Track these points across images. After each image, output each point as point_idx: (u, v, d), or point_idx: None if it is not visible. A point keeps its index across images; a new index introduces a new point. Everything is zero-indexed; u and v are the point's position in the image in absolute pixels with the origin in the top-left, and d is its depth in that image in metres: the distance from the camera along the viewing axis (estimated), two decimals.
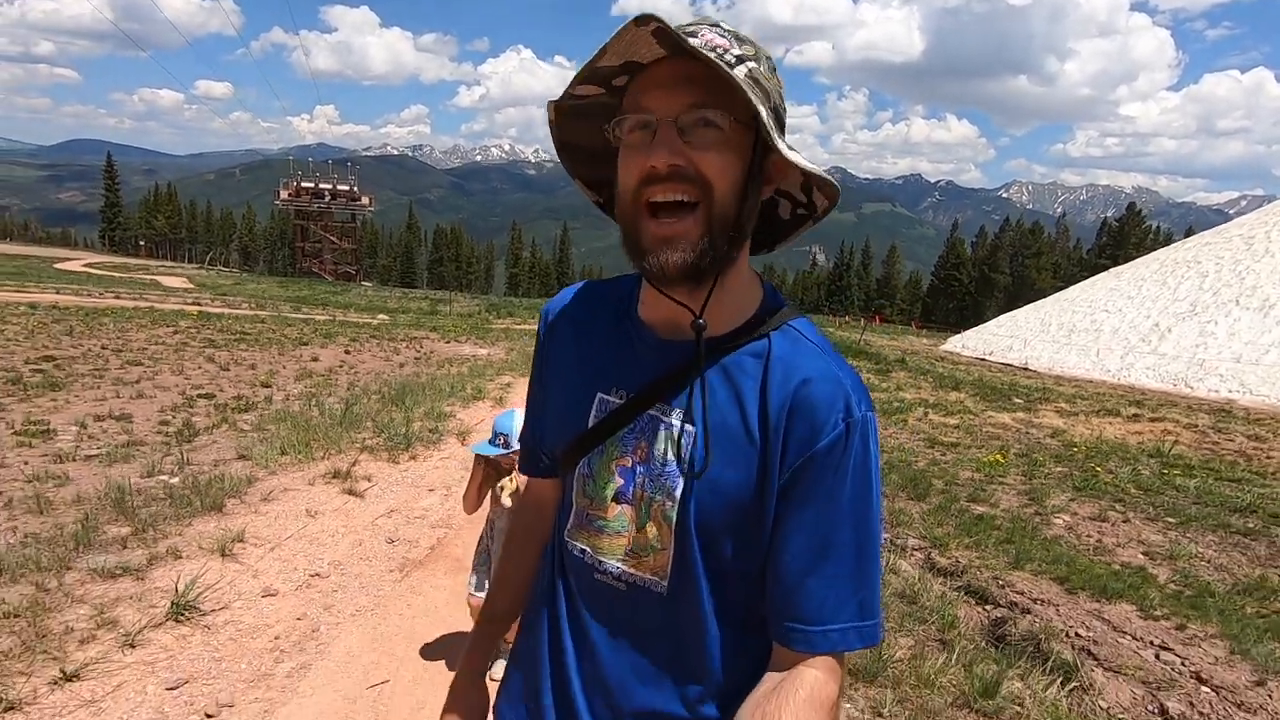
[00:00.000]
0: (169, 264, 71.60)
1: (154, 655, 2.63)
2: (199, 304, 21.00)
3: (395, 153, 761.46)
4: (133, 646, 2.64)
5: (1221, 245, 21.14)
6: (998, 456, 7.04)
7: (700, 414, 0.74)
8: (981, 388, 13.25)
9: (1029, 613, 3.62)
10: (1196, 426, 10.34)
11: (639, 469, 0.78)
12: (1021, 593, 3.87)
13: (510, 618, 1.00)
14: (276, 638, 2.89)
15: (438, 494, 5.00)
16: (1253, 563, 4.62)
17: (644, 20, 0.63)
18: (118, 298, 20.31)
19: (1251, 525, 5.41)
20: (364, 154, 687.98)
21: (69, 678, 2.40)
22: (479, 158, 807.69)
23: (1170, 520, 5.48)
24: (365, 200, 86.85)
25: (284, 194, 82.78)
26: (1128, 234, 70.78)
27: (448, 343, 15.52)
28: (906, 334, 42.84)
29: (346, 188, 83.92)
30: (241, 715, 2.39)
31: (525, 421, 0.96)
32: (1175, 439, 9.01)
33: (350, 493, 4.68)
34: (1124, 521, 5.41)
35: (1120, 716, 2.77)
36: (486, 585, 2.59)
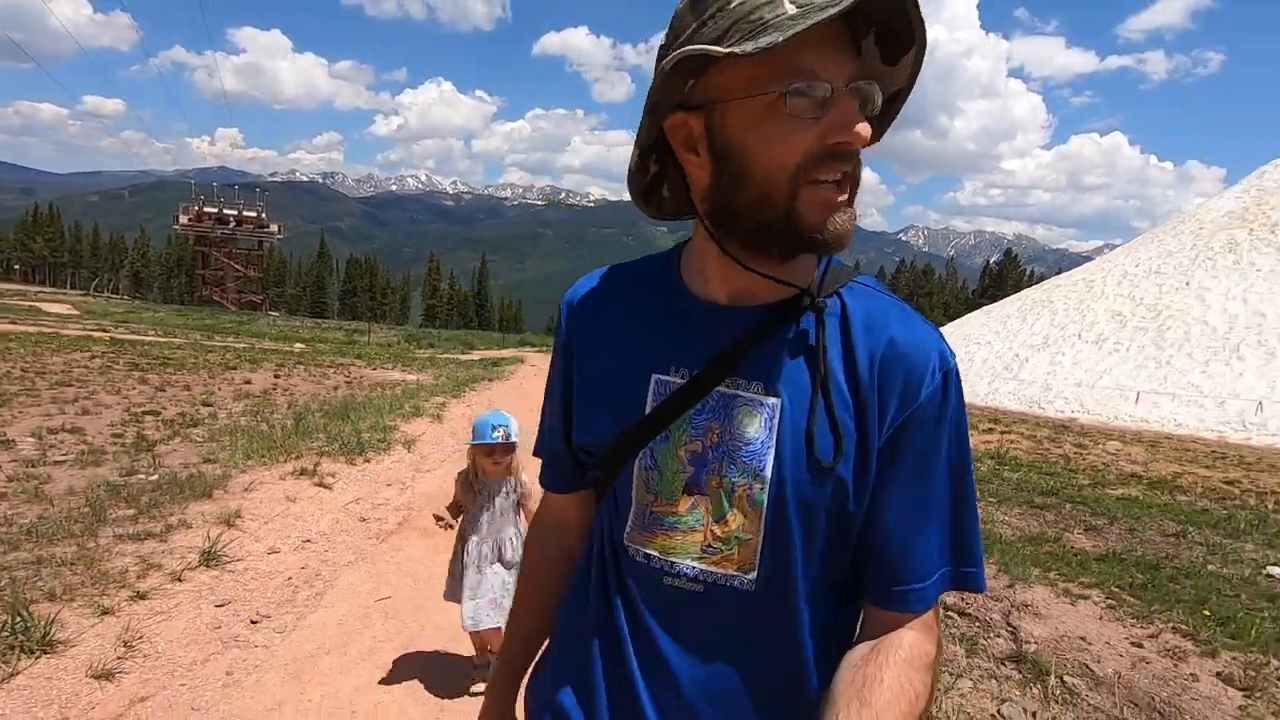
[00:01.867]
0: (49, 289, 66.53)
1: (197, 587, 3.37)
2: (105, 330, 20.30)
3: (305, 179, 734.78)
4: (180, 580, 3.38)
5: (1069, 287, 24.43)
6: None
7: (785, 382, 0.70)
8: None
9: None
10: (1035, 437, 12.28)
11: (711, 453, 0.71)
12: None
13: (537, 642, 0.92)
14: (290, 578, 3.67)
15: (394, 488, 5.77)
16: (1041, 525, 6.07)
17: None
18: (13, 323, 19.38)
19: (1049, 502, 6.95)
20: (270, 179, 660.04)
21: (140, 596, 3.13)
22: (394, 187, 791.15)
23: (992, 500, 6.94)
24: (275, 228, 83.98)
25: (184, 218, 78.95)
26: (1006, 276, 78.09)
27: (374, 369, 15.90)
28: None
29: (254, 214, 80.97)
30: (278, 621, 3.19)
31: (546, 429, 0.88)
32: (1014, 445, 10.80)
33: (320, 485, 5.40)
34: None
35: None
36: (487, 614, 2.59)
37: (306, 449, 6.49)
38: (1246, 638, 3.71)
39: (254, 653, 2.87)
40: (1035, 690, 3.11)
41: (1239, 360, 16.72)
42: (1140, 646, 3.58)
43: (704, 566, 0.72)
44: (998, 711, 2.91)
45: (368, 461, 6.48)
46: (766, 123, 0.62)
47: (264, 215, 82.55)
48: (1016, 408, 18.28)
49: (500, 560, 2.68)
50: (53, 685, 2.42)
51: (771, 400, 0.70)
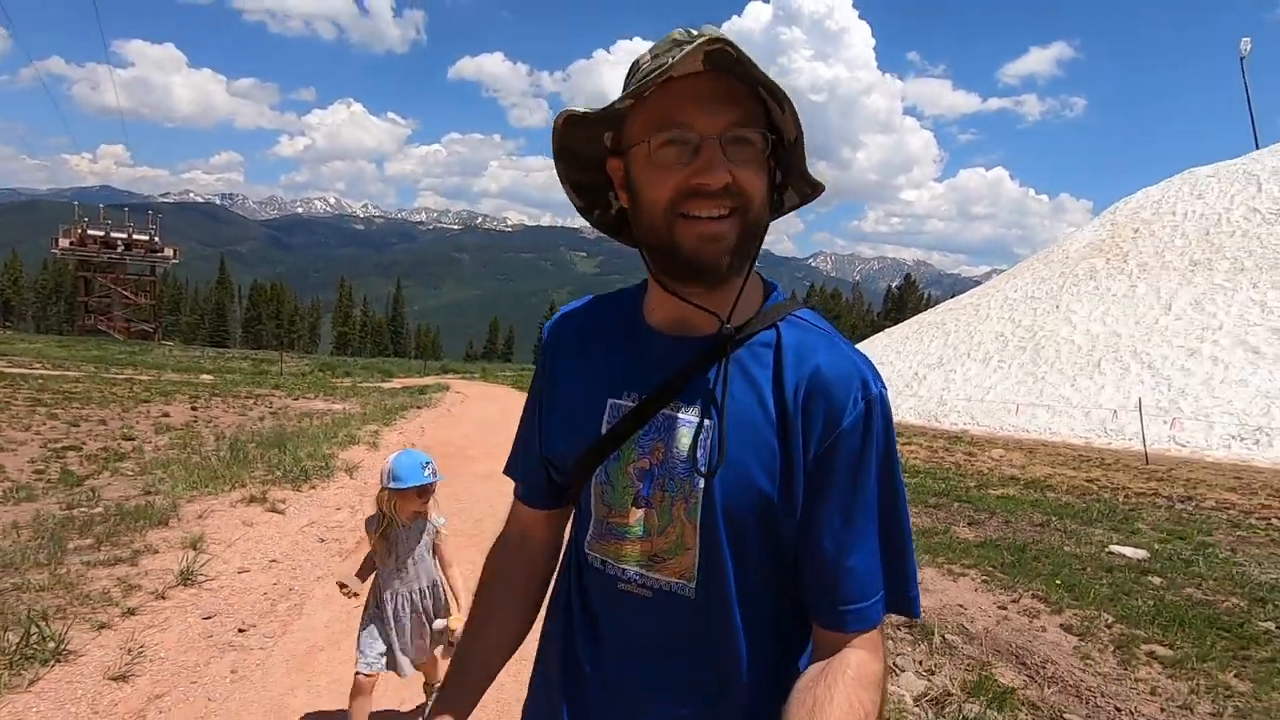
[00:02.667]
0: None
1: (180, 603, 3.60)
2: None
3: (201, 200, 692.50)
4: (163, 598, 3.59)
5: (959, 311, 26.76)
6: None
7: (717, 407, 0.74)
8: None
9: None
10: (932, 447, 13.55)
11: (657, 470, 0.77)
12: None
13: (484, 676, 0.91)
14: (265, 593, 3.93)
15: (344, 511, 5.99)
16: (932, 521, 6.95)
17: (713, 41, 0.64)
18: None
19: (941, 502, 7.89)
20: (161, 200, 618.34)
21: (130, 612, 3.35)
22: (300, 210, 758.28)
23: None
24: (170, 252, 79.02)
25: (65, 241, 73.01)
26: (906, 300, 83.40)
27: (296, 399, 15.58)
28: None
29: (146, 237, 75.88)
30: (266, 629, 3.47)
31: (519, 450, 0.94)
32: (913, 455, 11.93)
33: (273, 510, 5.57)
34: None
35: None
36: (384, 661, 2.41)
37: (249, 478, 6.58)
38: (1086, 599, 4.58)
39: (252, 654, 3.16)
40: (923, 646, 3.80)
41: (1100, 374, 18.92)
42: (1005, 609, 4.37)
43: (650, 574, 0.78)
44: (893, 663, 3.57)
45: (313, 488, 6.64)
46: (650, 165, 0.71)
47: (156, 238, 77.55)
48: (916, 421, 19.85)
49: (425, 611, 2.48)
50: (75, 687, 2.67)
51: (707, 423, 0.75)
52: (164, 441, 8.58)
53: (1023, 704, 3.16)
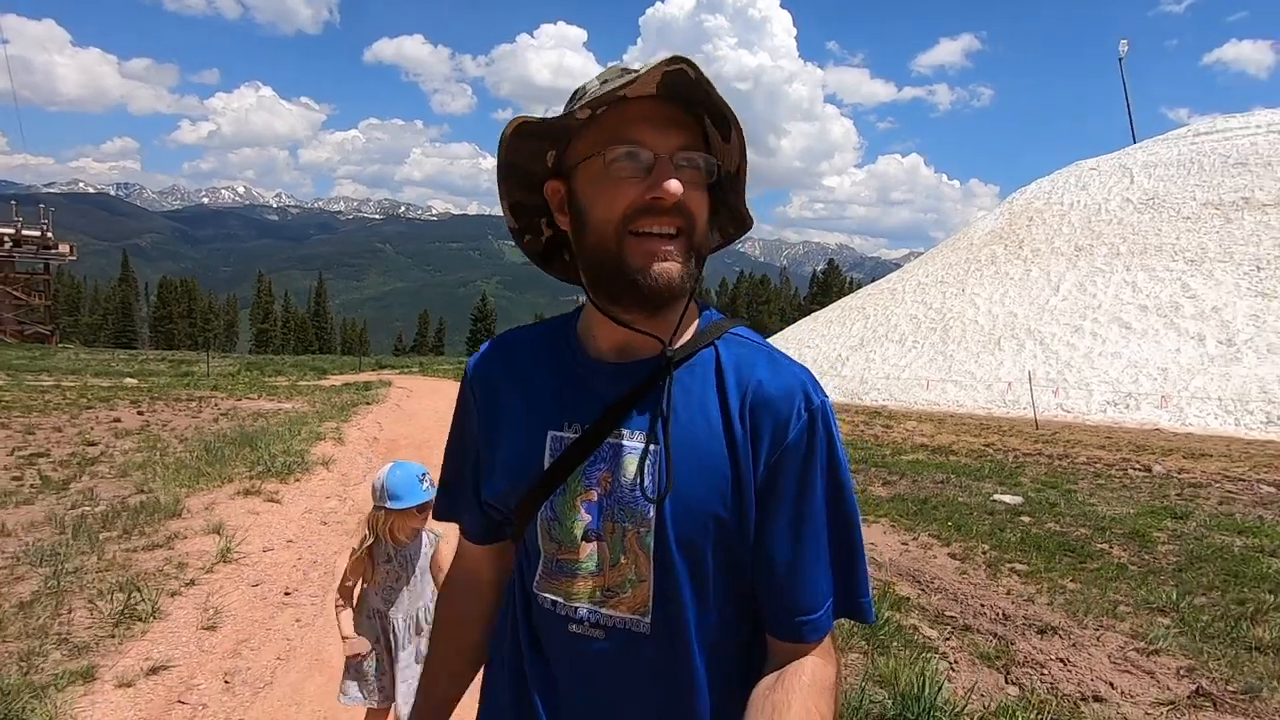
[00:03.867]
0: None
1: (227, 575, 4.20)
2: None
3: (93, 190, 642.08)
4: (210, 572, 4.18)
5: (878, 296, 28.70)
6: None
7: (662, 430, 0.73)
8: None
9: None
10: (854, 422, 14.95)
11: (604, 501, 0.75)
12: None
13: (450, 706, 0.93)
14: (294, 565, 4.55)
15: (334, 500, 6.56)
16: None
17: (673, 61, 0.66)
18: None
19: (859, 468, 9.07)
20: (47, 190, 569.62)
21: (191, 583, 3.94)
22: (206, 200, 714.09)
23: None
24: (65, 248, 73.55)
25: None
26: (830, 284, 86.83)
27: (239, 400, 15.56)
28: None
29: (37, 233, 70.41)
30: (308, 592, 4.11)
31: (452, 487, 0.90)
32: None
33: (271, 501, 6.10)
34: None
35: None
36: (367, 694, 2.18)
37: (235, 474, 7.03)
38: (969, 535, 5.73)
39: (307, 609, 3.83)
40: None
41: (1000, 351, 20.97)
42: (906, 545, 5.46)
43: (603, 611, 0.76)
44: None
45: (298, 481, 7.14)
46: (601, 180, 0.71)
47: (49, 233, 72.11)
48: (841, 400, 21.45)
49: (419, 632, 2.24)
50: (178, 635, 3.29)
51: (653, 449, 0.74)
52: (129, 445, 8.79)
53: (915, 607, 4.19)
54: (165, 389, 17.67)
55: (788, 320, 72.06)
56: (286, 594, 4.04)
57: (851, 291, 65.51)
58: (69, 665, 2.89)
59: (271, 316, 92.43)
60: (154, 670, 2.95)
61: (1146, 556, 5.28)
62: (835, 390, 22.27)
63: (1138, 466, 9.91)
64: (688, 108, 0.73)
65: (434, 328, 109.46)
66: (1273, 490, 8.36)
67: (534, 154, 0.78)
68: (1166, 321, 19.18)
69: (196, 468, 7.14)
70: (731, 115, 0.71)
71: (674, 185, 0.69)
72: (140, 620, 3.37)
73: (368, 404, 15.63)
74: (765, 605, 0.77)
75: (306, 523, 5.62)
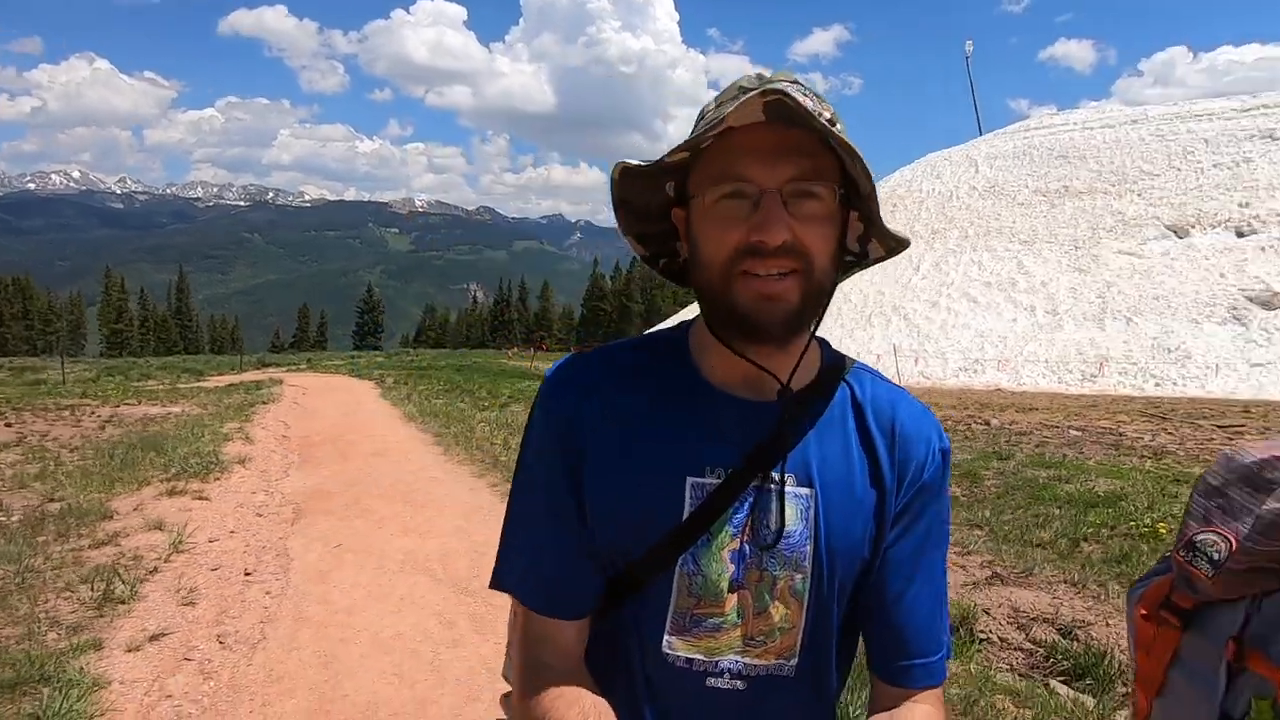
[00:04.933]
0: None
1: (185, 563, 4.49)
2: None
3: None
4: (168, 561, 4.46)
5: None
6: None
7: (812, 473, 0.71)
8: None
9: None
10: None
11: (749, 548, 0.71)
12: None
13: None
14: (245, 551, 4.88)
15: (261, 494, 6.76)
16: None
17: (768, 92, 0.60)
18: None
19: None
20: None
21: (154, 570, 4.24)
22: (33, 185, 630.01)
23: None
24: None
25: None
26: None
27: (118, 407, 14.68)
28: None
29: None
30: (267, 570, 4.49)
31: (531, 545, 0.76)
32: None
33: (199, 498, 6.25)
34: None
35: None
36: None
37: (150, 477, 7.03)
38: None
39: (272, 584, 4.23)
40: None
41: (870, 326, 23.21)
42: None
43: (747, 660, 0.72)
44: None
45: (218, 479, 7.23)
46: (709, 218, 0.67)
47: None
48: None
49: None
50: (162, 609, 3.65)
51: (804, 491, 0.71)
52: (13, 458, 8.39)
53: None
54: (24, 399, 16.26)
55: (681, 304, 74.27)
56: (247, 574, 4.41)
57: None
58: (72, 640, 3.22)
59: (126, 315, 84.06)
60: (154, 638, 3.32)
61: (975, 490, 6.57)
62: None
63: (980, 421, 11.67)
64: (809, 129, 0.64)
65: (315, 321, 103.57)
66: (1078, 433, 10.23)
67: (650, 189, 0.74)
68: (1006, 295, 21.95)
69: (107, 474, 7.07)
70: (846, 145, 0.63)
71: (776, 228, 0.63)
72: (121, 602, 3.68)
73: (264, 403, 15.20)
74: (879, 647, 0.76)
75: (241, 515, 5.86)
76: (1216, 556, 0.83)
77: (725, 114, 0.63)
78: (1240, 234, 20.73)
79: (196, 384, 23.18)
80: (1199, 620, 0.84)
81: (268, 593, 4.07)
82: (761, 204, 0.65)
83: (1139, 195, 23.94)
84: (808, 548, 0.72)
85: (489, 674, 3.05)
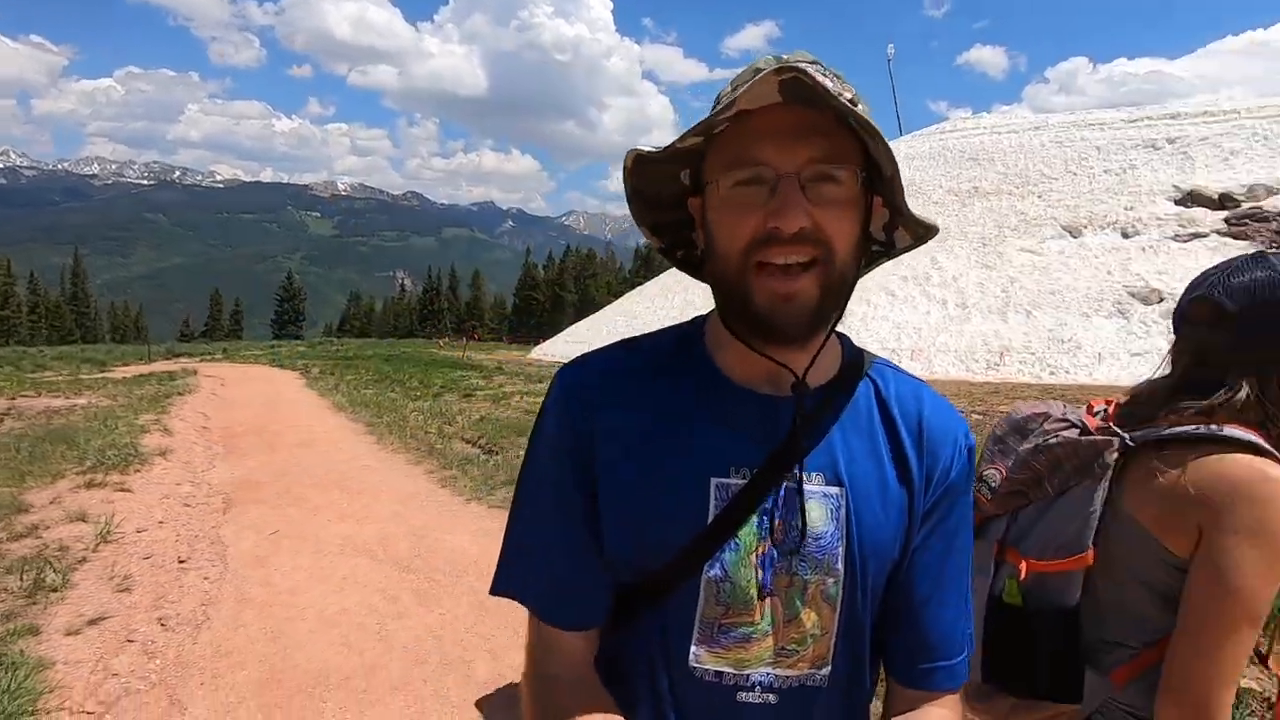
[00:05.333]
0: None
1: (114, 552, 4.46)
2: None
3: None
4: (96, 550, 4.42)
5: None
6: None
7: (841, 471, 0.69)
8: None
9: None
10: None
11: (776, 551, 0.68)
12: None
13: None
14: (177, 539, 4.86)
15: (187, 485, 6.64)
16: None
17: (784, 70, 0.56)
18: None
19: None
20: None
21: (83, 560, 4.20)
22: None
23: None
24: None
25: None
26: (653, 258, 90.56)
27: (15, 399, 13.75)
28: (499, 348, 48.57)
29: None
30: (203, 559, 4.51)
31: (541, 550, 0.73)
32: None
33: (121, 490, 6.10)
34: None
35: None
36: None
37: (63, 470, 6.77)
38: None
39: (210, 569, 4.26)
40: None
41: None
42: None
43: (779, 672, 0.69)
44: None
45: (139, 471, 7.03)
46: (726, 205, 0.64)
47: None
48: None
49: None
50: (97, 596, 3.66)
51: (834, 490, 0.68)
52: None
53: None
54: None
55: (615, 294, 74.49)
56: (181, 562, 4.42)
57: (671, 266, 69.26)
58: (7, 626, 3.21)
59: (14, 301, 77.35)
60: (93, 621, 3.35)
61: None
62: None
63: None
64: (829, 109, 0.61)
65: (230, 309, 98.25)
66: (980, 417, 11.11)
67: (665, 177, 0.71)
68: (921, 289, 23.25)
69: (14, 467, 6.76)
70: (869, 124, 0.59)
71: (793, 213, 0.60)
72: (54, 590, 3.67)
73: (180, 394, 14.56)
74: (899, 648, 0.74)
75: (169, 506, 5.77)
76: (993, 485, 1.18)
77: (740, 93, 0.59)
78: (1125, 235, 22.68)
79: (101, 375, 21.87)
80: (981, 530, 1.18)
81: (206, 578, 4.11)
82: (778, 189, 0.62)
83: (1039, 197, 25.75)
84: (839, 549, 0.69)
85: (434, 640, 3.25)
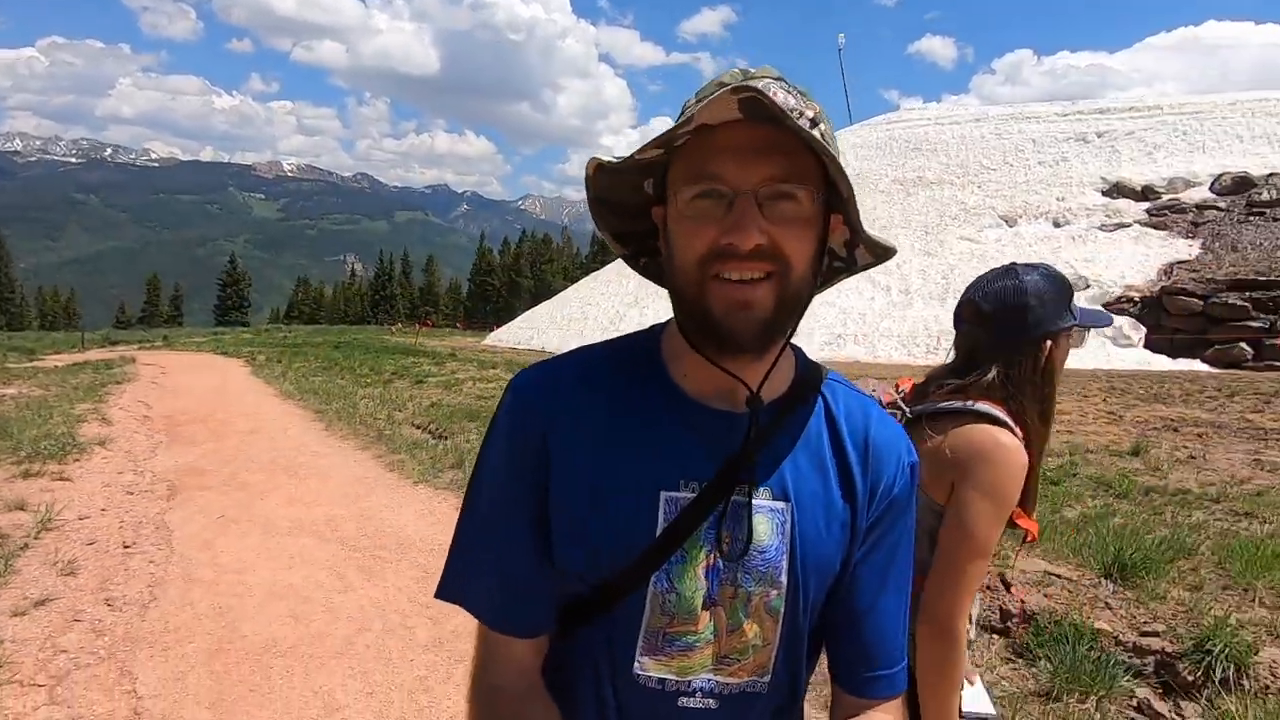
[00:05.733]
0: None
1: (57, 539, 4.50)
2: None
3: None
4: (38, 538, 4.45)
5: None
6: None
7: (787, 487, 0.71)
8: (511, 365, 18.23)
9: None
10: None
11: (722, 564, 0.70)
12: None
13: None
14: (121, 526, 4.91)
15: (129, 474, 6.61)
16: None
17: (740, 89, 0.58)
18: None
19: None
20: None
21: (24, 547, 4.24)
22: None
23: None
24: None
25: None
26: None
27: None
28: (454, 335, 48.04)
29: None
30: (149, 544, 4.59)
31: (491, 557, 0.73)
32: None
33: (61, 479, 6.05)
34: None
35: None
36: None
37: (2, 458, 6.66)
38: None
39: (156, 553, 4.35)
40: None
41: None
42: None
43: (720, 679, 0.71)
44: None
45: (78, 461, 6.96)
46: (684, 218, 0.65)
47: None
48: None
49: None
50: (41, 579, 3.74)
51: (780, 505, 0.70)
52: None
53: None
54: None
55: (571, 279, 74.16)
56: (126, 547, 4.49)
57: None
58: None
59: None
60: (39, 603, 3.44)
61: None
62: None
63: None
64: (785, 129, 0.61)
65: (169, 295, 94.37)
66: None
67: (628, 186, 0.72)
68: (866, 277, 23.95)
69: None
70: (822, 147, 0.60)
71: (747, 230, 0.61)
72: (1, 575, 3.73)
73: (118, 383, 14.16)
74: (842, 657, 0.76)
75: (111, 494, 5.78)
76: None
77: (699, 107, 0.61)
78: (1057, 224, 23.83)
79: (30, 364, 20.97)
80: None
81: (152, 561, 4.20)
82: (735, 205, 0.63)
83: (979, 187, 26.80)
84: (784, 563, 0.71)
85: (377, 610, 3.46)
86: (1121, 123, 27.35)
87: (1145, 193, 23.90)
